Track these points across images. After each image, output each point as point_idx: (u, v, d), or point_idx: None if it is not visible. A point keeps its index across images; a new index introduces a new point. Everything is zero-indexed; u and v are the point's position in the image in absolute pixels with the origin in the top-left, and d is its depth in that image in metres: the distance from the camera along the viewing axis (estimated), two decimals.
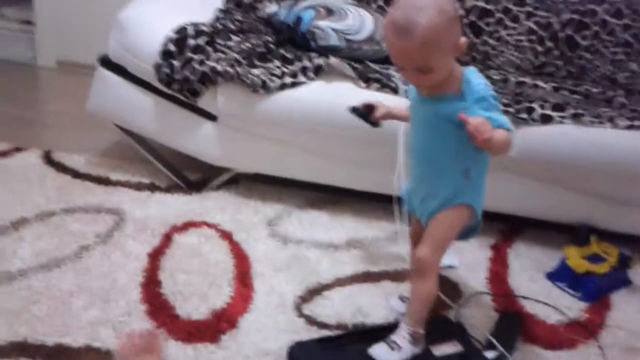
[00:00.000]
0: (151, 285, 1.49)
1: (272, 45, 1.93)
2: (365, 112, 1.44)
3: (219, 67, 1.74)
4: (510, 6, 2.17)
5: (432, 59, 1.14)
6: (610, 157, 1.66)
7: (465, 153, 1.23)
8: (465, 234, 1.35)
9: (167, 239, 1.67)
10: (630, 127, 1.67)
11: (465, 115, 1.13)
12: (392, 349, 1.29)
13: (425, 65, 1.15)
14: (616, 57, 2.12)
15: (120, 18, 1.89)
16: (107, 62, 1.92)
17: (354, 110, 1.46)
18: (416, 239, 1.39)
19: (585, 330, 1.47)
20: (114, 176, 1.95)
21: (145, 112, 1.91)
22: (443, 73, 1.17)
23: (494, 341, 1.36)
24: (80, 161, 2.01)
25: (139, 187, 1.91)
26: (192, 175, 2.00)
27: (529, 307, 1.54)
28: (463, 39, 1.17)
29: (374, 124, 1.44)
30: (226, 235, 1.72)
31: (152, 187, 1.92)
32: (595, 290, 1.58)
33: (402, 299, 1.49)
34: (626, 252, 1.64)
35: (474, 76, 1.21)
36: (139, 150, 2.00)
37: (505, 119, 1.19)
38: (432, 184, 1.28)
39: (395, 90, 1.75)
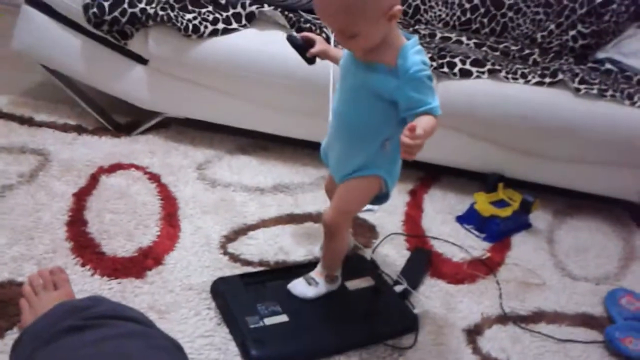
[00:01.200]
0: (77, 224, 1.51)
1: None
2: (303, 45, 1.32)
3: (150, 10, 1.73)
4: None
5: (356, 24, 1.05)
6: (521, 111, 1.78)
7: (387, 127, 1.18)
8: (373, 200, 1.33)
9: (93, 179, 1.69)
10: (540, 84, 1.79)
11: (413, 125, 1.02)
12: (310, 284, 1.38)
13: (348, 29, 1.07)
14: (537, 17, 2.24)
15: None
16: (33, 1, 1.86)
17: (292, 40, 1.34)
18: (330, 190, 1.40)
19: (486, 267, 1.61)
20: (39, 117, 1.92)
21: (73, 53, 1.87)
22: (371, 40, 1.10)
23: (401, 277, 1.47)
24: (3, 100, 1.96)
25: (65, 128, 1.89)
26: (121, 118, 1.99)
27: (438, 246, 1.67)
28: (397, 7, 1.06)
29: (309, 60, 1.33)
30: (155, 178, 1.75)
31: (79, 129, 1.90)
32: (498, 232, 1.72)
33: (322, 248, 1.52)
34: (528, 198, 1.78)
35: (412, 52, 1.11)
36: (66, 92, 1.97)
37: (436, 104, 1.10)
38: (348, 148, 1.24)
39: (327, 41, 1.78)
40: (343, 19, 1.05)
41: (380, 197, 1.33)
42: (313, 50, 1.31)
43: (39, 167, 1.69)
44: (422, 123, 1.05)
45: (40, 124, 1.89)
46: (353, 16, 1.04)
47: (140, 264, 1.43)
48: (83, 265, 1.40)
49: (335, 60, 1.32)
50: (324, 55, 1.33)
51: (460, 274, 1.57)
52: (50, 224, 1.49)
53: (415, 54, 1.11)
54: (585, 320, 1.50)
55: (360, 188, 1.26)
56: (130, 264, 1.43)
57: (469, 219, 1.77)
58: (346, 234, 1.35)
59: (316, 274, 1.39)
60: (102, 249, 1.46)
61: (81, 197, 1.61)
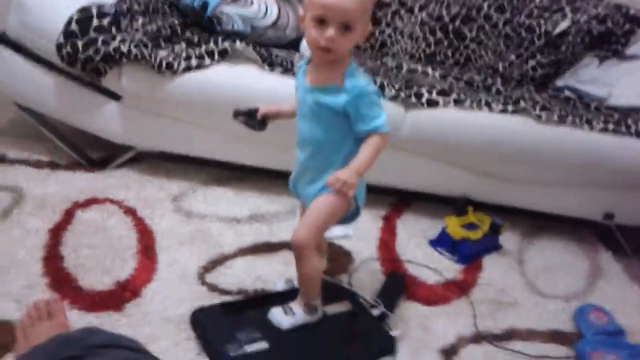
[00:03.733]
0: (52, 260, 1.51)
1: (178, 28, 1.96)
2: (250, 111, 1.40)
3: (123, 47, 1.76)
4: None
5: (358, 20, 1.19)
6: (486, 138, 1.84)
7: (347, 141, 1.28)
8: (345, 219, 1.36)
9: (68, 215, 1.68)
10: (503, 112, 1.87)
11: (331, 181, 1.22)
12: (286, 313, 1.38)
13: (353, 20, 1.18)
14: (497, 48, 2.34)
15: None
16: (4, 40, 1.88)
17: (238, 112, 1.41)
18: None
19: (459, 288, 1.65)
20: (11, 154, 1.92)
21: (46, 90, 1.88)
22: (352, 41, 1.21)
23: (378, 301, 1.50)
24: None
25: (38, 165, 1.89)
26: (94, 153, 2.00)
27: (412, 270, 1.71)
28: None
29: (260, 124, 1.41)
30: (130, 211, 1.75)
31: (52, 165, 1.91)
32: (469, 254, 1.77)
33: (286, 281, 1.54)
34: (497, 221, 1.84)
35: (358, 72, 1.26)
36: (38, 128, 1.97)
37: (382, 120, 1.25)
38: (317, 170, 1.32)
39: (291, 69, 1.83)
40: (355, 9, 1.18)
41: (352, 214, 1.36)
42: (262, 110, 1.40)
43: (13, 204, 1.69)
44: (361, 156, 1.24)
45: (13, 161, 1.89)
46: (362, 7, 1.19)
47: (118, 297, 1.44)
48: (61, 300, 1.39)
49: (288, 113, 1.41)
50: (275, 115, 1.42)
51: (435, 295, 1.61)
52: (26, 261, 1.49)
53: (360, 74, 1.27)
54: (556, 336, 1.54)
55: (328, 202, 1.29)
56: (108, 297, 1.43)
57: (441, 242, 1.81)
58: (316, 257, 1.35)
59: (295, 303, 1.40)
60: (79, 284, 1.46)
61: (56, 232, 1.61)
